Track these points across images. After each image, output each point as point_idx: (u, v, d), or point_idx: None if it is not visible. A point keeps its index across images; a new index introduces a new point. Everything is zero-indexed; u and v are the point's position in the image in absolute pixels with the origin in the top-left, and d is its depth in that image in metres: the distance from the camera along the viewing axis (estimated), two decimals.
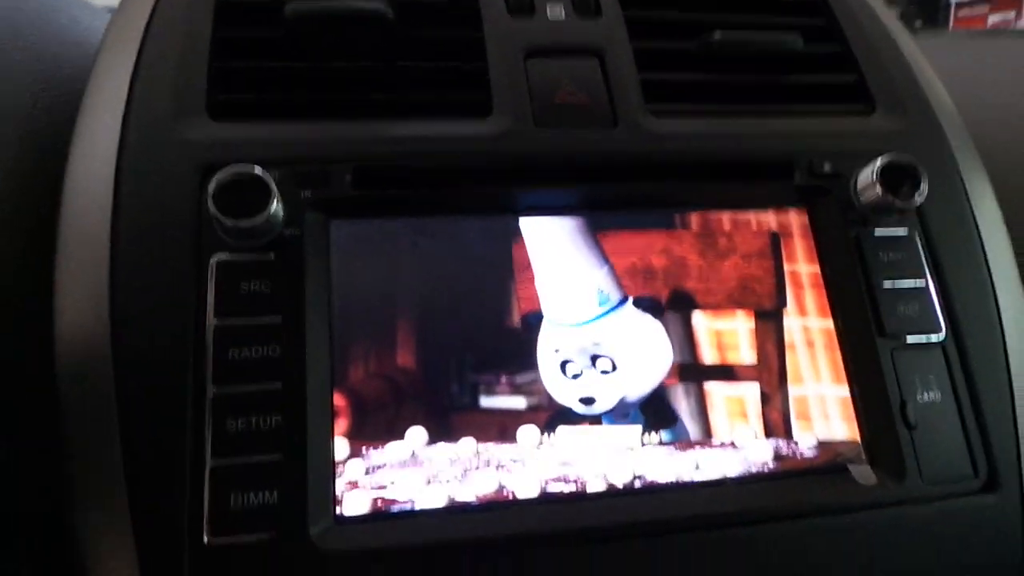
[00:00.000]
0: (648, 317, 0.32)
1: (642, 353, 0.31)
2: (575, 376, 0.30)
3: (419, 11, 0.35)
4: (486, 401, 0.29)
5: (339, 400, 0.28)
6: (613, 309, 0.32)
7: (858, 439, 0.31)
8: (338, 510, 0.27)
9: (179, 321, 0.27)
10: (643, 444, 0.30)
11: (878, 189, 0.32)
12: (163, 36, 0.32)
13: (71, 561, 0.26)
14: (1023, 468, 0.31)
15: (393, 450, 0.28)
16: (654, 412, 0.31)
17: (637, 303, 0.32)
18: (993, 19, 3.33)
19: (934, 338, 0.32)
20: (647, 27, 0.37)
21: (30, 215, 0.31)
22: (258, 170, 0.27)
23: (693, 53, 0.37)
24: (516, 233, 0.32)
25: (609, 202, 0.33)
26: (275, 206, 0.27)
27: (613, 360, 0.31)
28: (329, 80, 0.33)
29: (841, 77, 0.38)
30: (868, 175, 0.33)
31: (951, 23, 3.42)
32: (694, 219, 0.33)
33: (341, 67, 0.33)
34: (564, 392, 0.30)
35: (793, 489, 0.30)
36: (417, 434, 0.28)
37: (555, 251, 0.32)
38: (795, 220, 0.34)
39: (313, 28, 0.33)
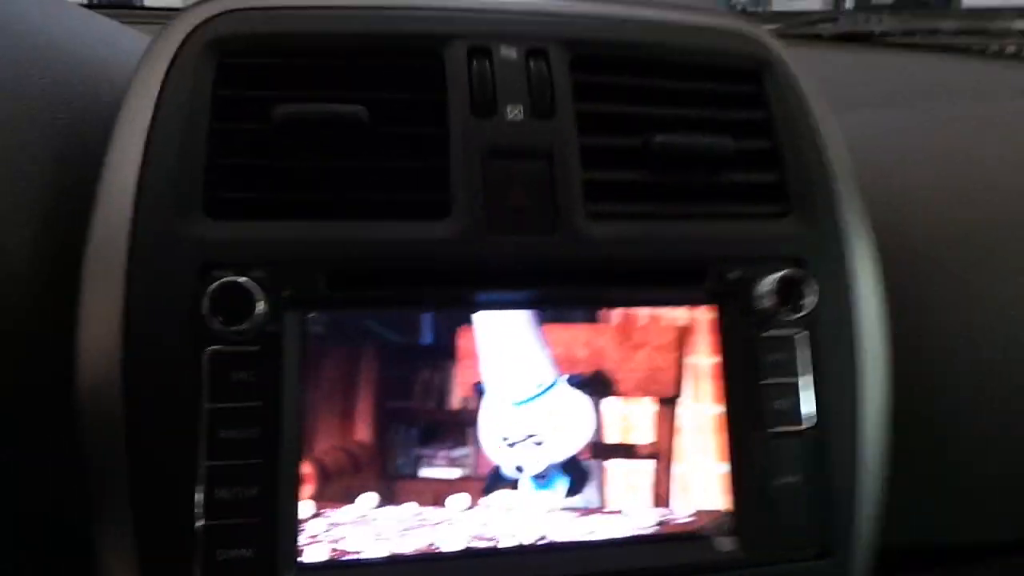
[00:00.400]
0: (578, 392, 0.38)
1: (568, 427, 0.38)
2: (511, 445, 0.37)
3: (391, 111, 0.39)
4: (426, 471, 0.36)
5: (306, 468, 0.35)
6: (547, 390, 0.38)
7: (730, 510, 0.39)
8: (300, 559, 0.34)
9: (179, 404, 0.33)
10: (556, 509, 0.37)
11: (773, 300, 0.38)
12: (167, 133, 0.36)
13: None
14: (852, 541, 0.39)
15: (348, 512, 0.35)
16: (568, 481, 0.38)
17: (570, 380, 0.38)
18: None
19: (800, 428, 0.39)
20: (596, 122, 0.41)
21: (53, 270, 0.37)
22: (246, 281, 0.33)
23: (636, 150, 0.41)
24: (465, 324, 0.37)
25: (544, 301, 0.39)
26: (260, 310, 0.33)
27: (543, 435, 0.38)
28: (310, 179, 0.38)
29: (765, 176, 0.43)
30: (766, 286, 0.39)
31: None
32: (615, 315, 0.39)
33: (320, 166, 0.38)
34: (502, 459, 0.37)
35: (667, 551, 0.37)
36: (368, 499, 0.35)
37: (499, 340, 0.38)
38: (705, 316, 0.40)
39: (298, 130, 0.37)
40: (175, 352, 0.34)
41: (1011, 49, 1.10)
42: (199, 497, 0.33)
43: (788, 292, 0.38)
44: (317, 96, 0.38)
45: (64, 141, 0.39)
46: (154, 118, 0.37)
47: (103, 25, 0.48)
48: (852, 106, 0.66)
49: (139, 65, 0.39)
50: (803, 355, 0.40)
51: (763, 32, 0.46)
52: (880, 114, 0.61)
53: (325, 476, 0.35)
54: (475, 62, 0.40)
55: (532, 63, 0.41)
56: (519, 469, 0.37)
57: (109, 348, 0.34)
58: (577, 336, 0.39)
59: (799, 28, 1.12)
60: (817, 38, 0.98)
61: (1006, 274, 0.49)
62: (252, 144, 0.37)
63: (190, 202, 0.36)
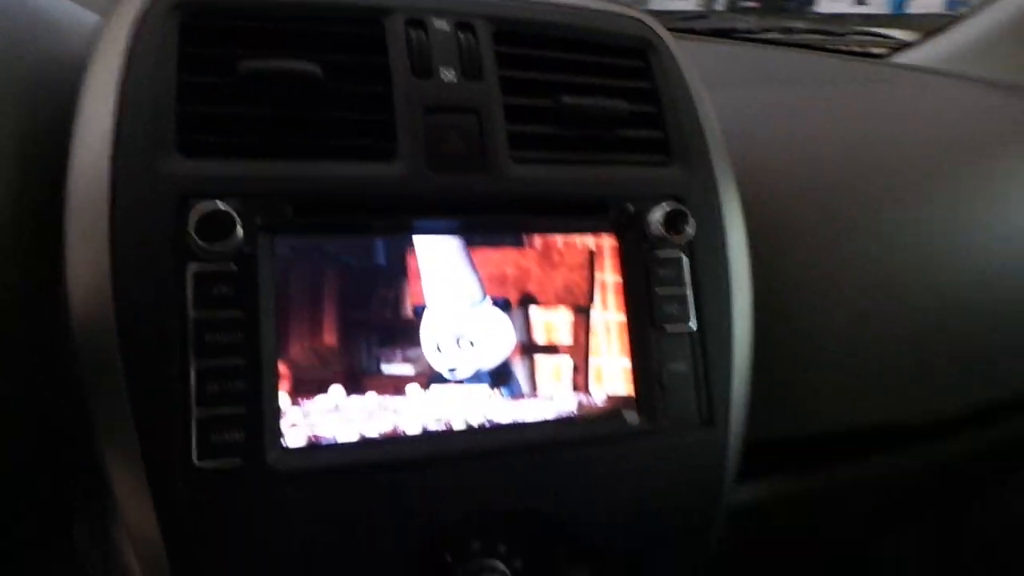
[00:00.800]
0: (499, 311, 0.46)
1: (493, 337, 0.45)
2: (445, 352, 0.44)
3: (341, 70, 0.45)
4: (386, 368, 0.43)
5: (283, 367, 0.41)
6: (476, 304, 0.46)
7: (633, 395, 0.48)
8: (283, 443, 0.40)
9: (168, 314, 0.38)
10: (490, 398, 0.45)
11: (661, 228, 0.48)
12: (138, 83, 0.41)
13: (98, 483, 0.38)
14: (729, 414, 0.49)
15: (320, 401, 0.41)
16: (499, 376, 0.45)
17: (494, 302, 0.46)
18: None
19: (686, 328, 0.49)
20: (516, 85, 0.49)
21: (31, 210, 0.41)
22: (225, 206, 0.38)
23: (548, 109, 0.50)
24: (411, 248, 0.44)
25: (478, 228, 0.46)
26: (239, 233, 0.39)
27: (472, 342, 0.45)
28: (272, 125, 0.43)
29: (652, 133, 0.52)
30: (656, 217, 0.48)
31: None
32: (537, 240, 0.47)
33: (281, 115, 0.43)
34: (438, 363, 0.44)
35: (587, 427, 0.46)
36: (337, 390, 0.42)
37: (439, 262, 0.45)
38: (608, 243, 0.49)
39: (260, 82, 0.43)
40: (161, 271, 0.39)
41: (855, 48, 1.29)
42: (192, 391, 0.38)
43: (673, 222, 0.48)
44: (274, 56, 0.43)
45: (30, 92, 0.43)
46: (125, 70, 0.41)
47: None
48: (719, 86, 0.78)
49: (105, 23, 0.43)
50: (686, 272, 0.50)
51: (650, 19, 0.56)
52: (739, 93, 0.73)
53: (299, 373, 0.41)
54: (412, 32, 0.47)
55: (461, 35, 0.48)
56: (452, 371, 0.45)
57: (98, 272, 0.38)
58: (506, 258, 0.47)
59: (676, 23, 1.25)
60: (691, 32, 1.11)
61: (835, 214, 0.61)
62: (218, 94, 0.43)
63: (165, 143, 0.40)
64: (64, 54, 0.47)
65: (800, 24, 1.39)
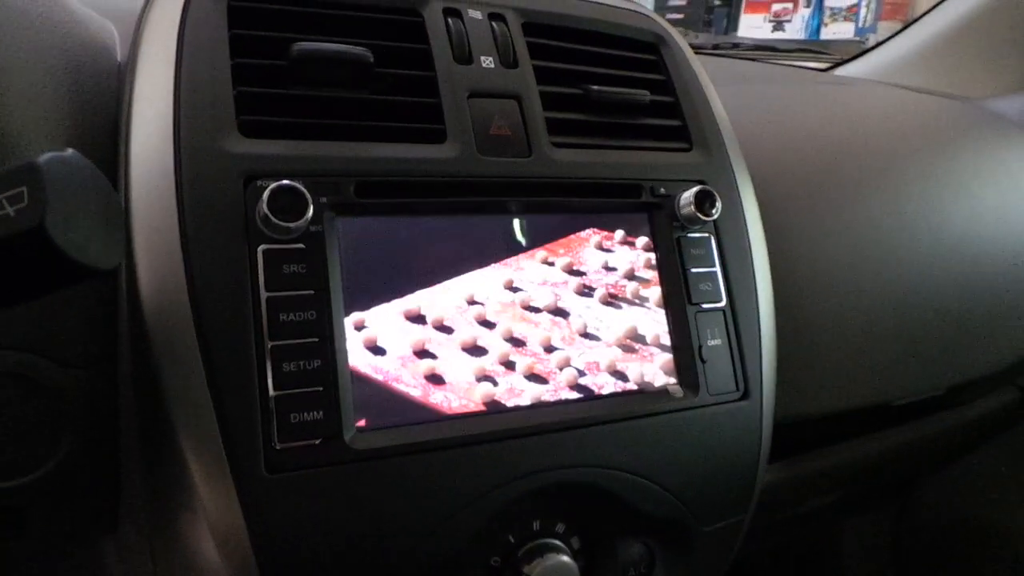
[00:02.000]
0: (551, 291, 0.47)
1: (548, 317, 0.46)
2: (504, 332, 0.45)
3: (389, 56, 0.46)
4: (448, 347, 0.43)
5: (354, 344, 0.40)
6: (529, 285, 0.46)
7: (674, 369, 0.49)
8: (358, 422, 0.39)
9: (241, 295, 0.38)
10: (547, 375, 0.46)
11: (692, 207, 0.50)
12: (192, 65, 0.40)
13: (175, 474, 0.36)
14: (763, 386, 0.51)
15: (387, 380, 0.41)
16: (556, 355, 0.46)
17: (544, 282, 0.47)
18: (776, 8, 3.89)
19: (719, 305, 0.51)
20: (549, 75, 0.51)
21: None
22: (299, 184, 0.38)
23: (579, 97, 0.52)
24: (465, 229, 0.45)
25: (525, 210, 0.47)
26: (310, 211, 0.38)
27: (529, 321, 0.46)
28: (325, 107, 0.43)
29: (672, 122, 0.55)
30: (686, 197, 0.50)
31: (743, 7, 3.91)
32: (576, 221, 0.49)
33: (334, 97, 0.44)
34: (497, 343, 0.45)
35: (635, 400, 0.47)
36: (403, 369, 0.42)
37: (493, 242, 0.46)
38: (639, 224, 0.51)
39: (313, 64, 0.43)
40: (232, 252, 0.38)
41: (794, 61, 1.38)
42: (269, 373, 0.37)
43: (702, 202, 0.50)
44: (320, 40, 0.44)
45: (72, 77, 0.42)
46: (178, 53, 0.41)
47: None
48: None
49: (148, 9, 0.43)
50: (714, 250, 0.52)
51: (660, 18, 0.59)
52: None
53: (365, 352, 0.41)
54: (450, 20, 0.48)
55: (495, 24, 0.50)
56: (510, 350, 0.45)
57: (169, 256, 0.37)
58: (552, 240, 0.48)
59: None
60: None
61: (817, 198, 0.66)
62: (273, 76, 0.42)
63: (226, 123, 0.40)
64: (92, 40, 0.45)
65: (746, 42, 1.47)
